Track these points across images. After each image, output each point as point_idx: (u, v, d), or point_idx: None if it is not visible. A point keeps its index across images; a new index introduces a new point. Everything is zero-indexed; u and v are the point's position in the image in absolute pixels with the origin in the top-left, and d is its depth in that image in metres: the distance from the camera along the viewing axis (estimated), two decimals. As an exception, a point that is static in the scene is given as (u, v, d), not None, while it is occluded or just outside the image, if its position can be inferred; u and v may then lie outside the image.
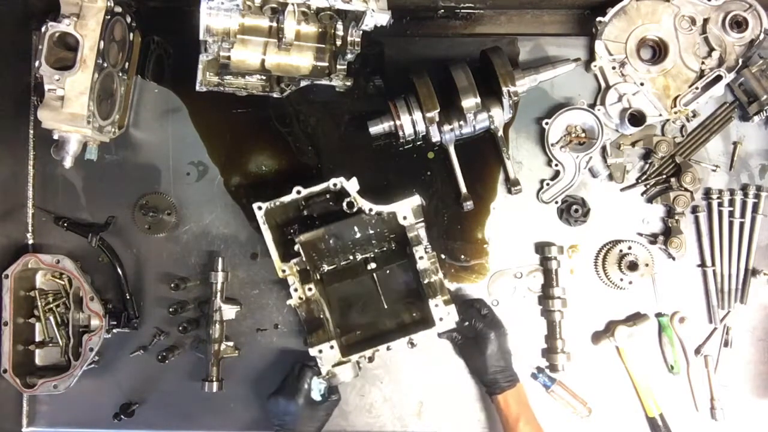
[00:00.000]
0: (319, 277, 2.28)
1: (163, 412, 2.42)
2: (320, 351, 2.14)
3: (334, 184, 2.14)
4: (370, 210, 2.15)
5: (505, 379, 2.25)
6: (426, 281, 2.17)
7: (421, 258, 2.15)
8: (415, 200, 2.15)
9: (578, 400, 2.38)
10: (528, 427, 2.20)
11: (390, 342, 2.16)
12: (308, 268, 2.22)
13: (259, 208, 2.15)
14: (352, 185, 2.15)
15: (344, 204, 2.15)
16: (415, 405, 2.43)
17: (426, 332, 2.15)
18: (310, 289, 2.19)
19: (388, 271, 2.30)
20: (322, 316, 2.21)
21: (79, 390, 2.31)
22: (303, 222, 2.28)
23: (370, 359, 2.21)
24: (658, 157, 2.40)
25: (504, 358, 2.28)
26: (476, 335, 2.27)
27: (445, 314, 2.14)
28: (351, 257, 2.27)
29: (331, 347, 2.15)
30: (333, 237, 2.21)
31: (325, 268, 2.26)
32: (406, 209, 2.15)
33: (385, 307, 2.32)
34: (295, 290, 2.18)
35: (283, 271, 2.17)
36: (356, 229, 2.22)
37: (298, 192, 2.15)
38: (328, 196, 2.18)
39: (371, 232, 2.24)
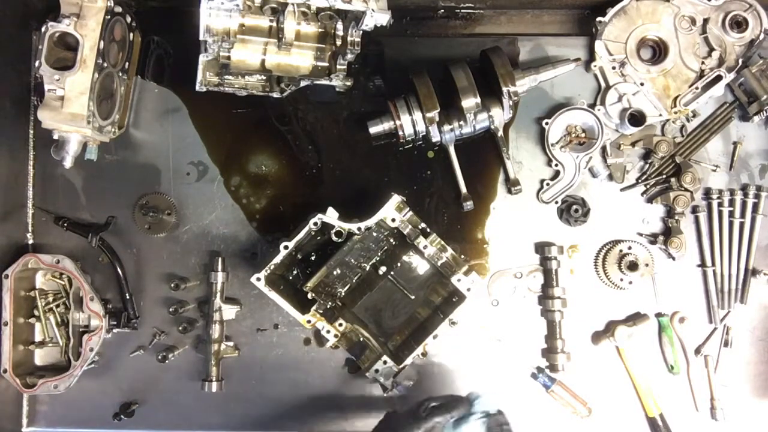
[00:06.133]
0: (341, 303, 2.29)
1: (163, 412, 2.42)
2: (377, 370, 2.17)
3: (315, 223, 2.15)
4: (359, 229, 2.16)
5: None
6: (439, 263, 2.18)
7: (425, 247, 2.16)
8: (396, 199, 2.15)
9: (578, 400, 2.38)
10: None
11: (434, 331, 2.18)
12: (328, 305, 2.23)
13: (258, 279, 2.15)
14: (332, 216, 2.15)
15: (332, 235, 2.16)
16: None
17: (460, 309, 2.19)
18: (340, 324, 2.20)
19: (399, 265, 2.30)
20: (362, 339, 2.23)
21: (79, 390, 2.32)
22: (300, 263, 2.31)
23: (424, 354, 2.24)
24: (658, 157, 2.40)
25: None
26: None
27: (470, 284, 2.17)
28: (360, 271, 2.28)
29: (385, 362, 2.17)
30: (336, 267, 2.24)
31: (342, 291, 2.28)
32: (391, 211, 2.15)
33: (413, 298, 2.32)
34: (328, 332, 2.19)
35: (309, 321, 2.18)
36: (353, 249, 2.23)
37: (286, 247, 2.15)
38: (313, 233, 2.19)
39: (368, 243, 2.26)
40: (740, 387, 2.42)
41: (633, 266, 2.36)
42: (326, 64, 2.34)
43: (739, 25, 2.34)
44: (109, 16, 2.14)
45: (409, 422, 1.92)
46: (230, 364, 2.40)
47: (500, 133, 2.36)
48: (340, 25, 2.23)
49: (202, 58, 2.22)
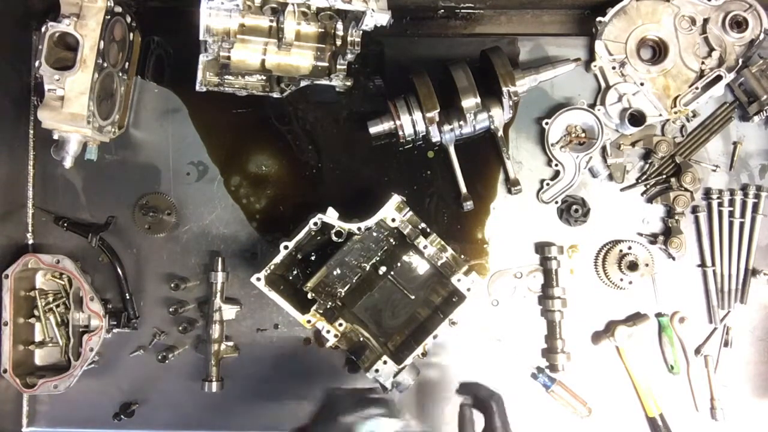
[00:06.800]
0: (340, 303, 2.29)
1: (163, 412, 2.42)
2: (377, 370, 2.17)
3: (315, 223, 2.14)
4: (359, 229, 2.16)
5: None
6: (439, 263, 2.18)
7: (425, 247, 2.16)
8: (396, 199, 2.15)
9: (578, 400, 2.38)
10: None
11: (434, 331, 2.18)
12: (328, 305, 2.23)
13: (258, 279, 2.14)
14: (332, 216, 2.15)
15: (332, 235, 2.16)
16: (415, 406, 2.43)
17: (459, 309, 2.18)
18: (340, 324, 2.20)
19: (399, 265, 2.30)
20: (362, 339, 2.23)
21: (79, 390, 2.32)
22: (300, 263, 2.31)
23: (423, 354, 2.23)
24: (658, 157, 2.40)
25: None
26: None
27: (470, 284, 2.16)
28: (360, 271, 2.28)
29: (385, 362, 2.17)
30: (336, 267, 2.23)
31: (342, 291, 2.28)
32: (391, 211, 2.15)
33: (413, 298, 2.32)
34: (328, 332, 2.19)
35: (309, 321, 2.18)
36: (353, 249, 2.23)
37: (286, 247, 2.15)
38: (313, 233, 2.19)
39: (368, 243, 2.26)
40: (740, 387, 2.42)
41: (633, 266, 2.36)
42: (326, 64, 2.34)
43: (739, 25, 2.34)
44: (109, 16, 2.14)
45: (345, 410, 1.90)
46: (230, 364, 2.40)
47: (500, 133, 2.36)
48: (340, 25, 2.23)
49: (202, 58, 2.22)
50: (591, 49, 2.42)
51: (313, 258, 2.31)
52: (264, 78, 2.34)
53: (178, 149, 2.46)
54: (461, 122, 2.30)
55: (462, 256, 2.33)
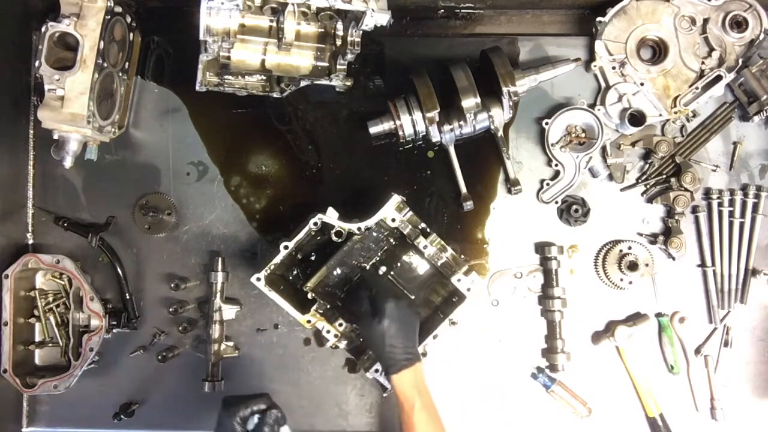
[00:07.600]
0: (340, 303, 2.29)
1: (163, 412, 2.42)
2: (377, 370, 2.18)
3: (315, 223, 2.15)
4: (359, 229, 2.16)
5: (403, 356, 2.02)
6: (439, 263, 2.19)
7: (425, 247, 2.16)
8: (395, 199, 2.15)
9: (578, 400, 2.38)
10: (423, 413, 1.98)
11: (434, 331, 2.19)
12: (328, 305, 2.23)
13: (258, 279, 2.15)
14: (332, 216, 2.15)
15: (332, 235, 2.16)
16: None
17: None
18: (340, 324, 2.21)
19: (399, 265, 2.30)
20: (362, 339, 2.23)
21: (79, 390, 2.32)
22: (300, 263, 2.30)
23: (423, 354, 2.23)
24: (658, 157, 2.40)
25: (403, 331, 2.04)
26: (372, 306, 2.07)
27: (470, 284, 2.18)
28: (360, 271, 2.28)
29: None
30: (336, 267, 2.23)
31: (342, 294, 2.28)
32: (391, 211, 2.15)
33: (413, 298, 2.32)
34: (328, 332, 2.19)
35: (309, 321, 2.18)
36: (353, 249, 2.23)
37: (286, 247, 2.15)
38: (313, 233, 2.19)
39: (368, 243, 2.26)
40: (740, 387, 2.42)
41: (633, 266, 2.36)
42: (326, 64, 2.34)
43: (739, 25, 2.34)
44: (109, 16, 2.14)
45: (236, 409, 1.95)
46: (230, 364, 2.40)
47: (500, 133, 2.36)
48: (340, 25, 2.23)
49: (202, 58, 2.22)
50: (591, 49, 2.42)
51: (313, 258, 2.31)
52: (264, 78, 2.34)
53: (178, 149, 2.46)
54: (461, 122, 2.30)
55: (462, 256, 2.33)
